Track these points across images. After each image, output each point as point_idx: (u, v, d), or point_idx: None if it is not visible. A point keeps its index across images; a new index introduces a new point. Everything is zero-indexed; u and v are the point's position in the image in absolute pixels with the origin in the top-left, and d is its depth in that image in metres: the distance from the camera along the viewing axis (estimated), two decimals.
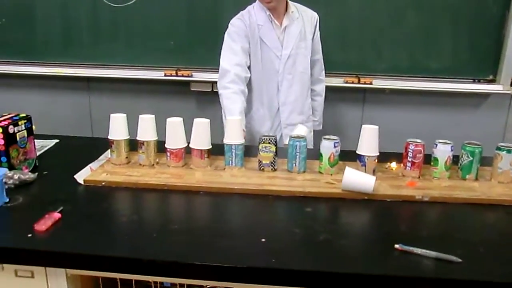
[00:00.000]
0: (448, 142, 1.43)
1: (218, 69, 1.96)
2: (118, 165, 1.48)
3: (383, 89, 2.66)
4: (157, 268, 0.99)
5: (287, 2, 1.97)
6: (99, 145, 1.62)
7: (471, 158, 1.42)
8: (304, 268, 0.97)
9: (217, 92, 1.97)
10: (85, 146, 1.78)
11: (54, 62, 2.71)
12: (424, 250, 1.01)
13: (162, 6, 2.58)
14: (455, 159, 1.45)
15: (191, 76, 2.65)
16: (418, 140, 1.45)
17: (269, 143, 1.45)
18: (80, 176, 1.40)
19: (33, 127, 1.45)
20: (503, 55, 2.54)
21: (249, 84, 1.99)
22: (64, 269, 1.04)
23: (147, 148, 1.48)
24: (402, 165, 1.47)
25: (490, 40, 2.54)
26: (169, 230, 1.12)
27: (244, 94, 1.92)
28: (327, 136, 1.47)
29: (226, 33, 1.97)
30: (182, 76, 2.66)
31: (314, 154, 1.49)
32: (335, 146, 1.43)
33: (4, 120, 1.37)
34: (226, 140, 1.48)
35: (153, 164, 1.49)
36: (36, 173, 1.39)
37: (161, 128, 1.49)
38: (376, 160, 1.45)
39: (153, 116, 1.49)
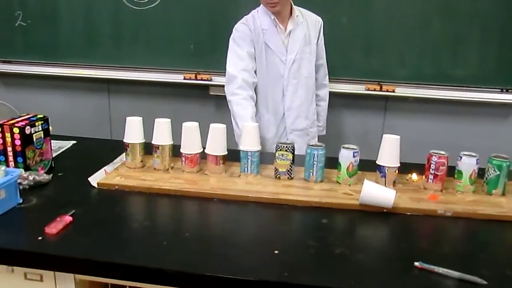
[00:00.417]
0: (474, 154, 1.37)
1: None
2: (133, 169, 1.47)
3: (406, 97, 2.58)
4: (165, 277, 0.97)
5: (291, 6, 1.94)
6: (115, 147, 1.62)
7: (498, 172, 1.36)
8: (317, 283, 0.93)
9: None
10: (101, 148, 1.78)
11: (76, 63, 2.75)
12: (446, 270, 0.96)
13: (183, 10, 2.58)
14: (480, 173, 1.39)
15: (211, 80, 2.64)
16: (442, 152, 1.39)
17: (286, 150, 1.42)
18: (94, 179, 1.39)
19: (50, 128, 1.46)
20: None
21: (254, 89, 1.96)
22: (72, 274, 1.03)
23: (162, 153, 1.46)
24: (423, 177, 1.41)
25: None
26: (180, 238, 1.10)
27: (253, 99, 1.91)
28: (346, 145, 1.42)
29: (230, 38, 1.95)
30: (202, 80, 2.65)
31: (333, 163, 1.45)
32: (354, 156, 1.39)
33: (21, 120, 1.38)
34: (242, 147, 1.45)
35: (168, 169, 1.48)
36: (51, 175, 1.39)
37: (179, 131, 1.48)
38: (397, 171, 1.40)
39: (169, 120, 1.48)
